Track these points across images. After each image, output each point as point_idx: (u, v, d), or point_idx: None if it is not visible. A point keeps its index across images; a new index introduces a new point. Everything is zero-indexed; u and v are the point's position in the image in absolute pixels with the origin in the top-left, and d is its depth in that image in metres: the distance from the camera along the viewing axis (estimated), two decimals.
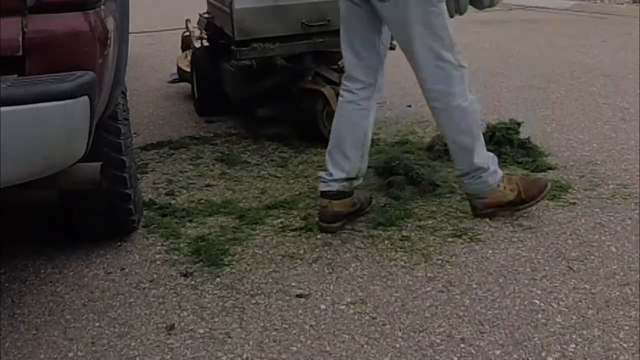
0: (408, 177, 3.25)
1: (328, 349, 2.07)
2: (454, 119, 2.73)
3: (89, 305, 2.35)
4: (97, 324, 2.24)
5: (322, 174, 2.86)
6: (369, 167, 3.48)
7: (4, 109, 1.70)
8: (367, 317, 2.23)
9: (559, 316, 2.20)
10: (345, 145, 2.79)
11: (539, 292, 2.35)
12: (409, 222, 2.88)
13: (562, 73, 5.56)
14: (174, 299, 2.37)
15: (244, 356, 2.05)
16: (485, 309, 2.25)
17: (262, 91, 4.01)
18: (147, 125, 4.49)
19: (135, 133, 4.03)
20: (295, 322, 2.22)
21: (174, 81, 5.39)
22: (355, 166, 2.82)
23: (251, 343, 2.11)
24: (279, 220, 2.94)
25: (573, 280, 2.41)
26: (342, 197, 2.80)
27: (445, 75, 2.64)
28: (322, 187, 2.82)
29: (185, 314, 2.28)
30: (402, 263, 2.56)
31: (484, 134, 3.69)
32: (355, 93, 2.78)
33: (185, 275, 2.51)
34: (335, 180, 2.80)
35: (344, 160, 2.80)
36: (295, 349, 2.08)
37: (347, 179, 2.81)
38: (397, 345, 2.08)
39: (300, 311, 2.28)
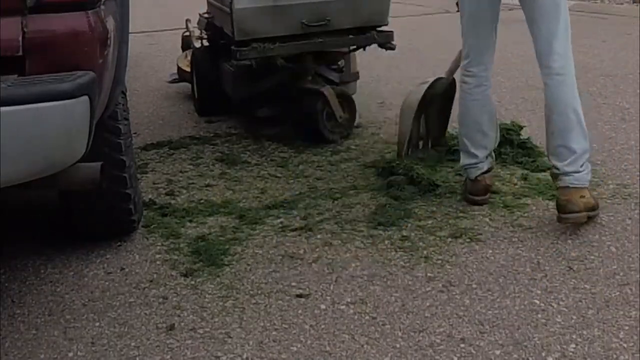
0: (408, 177, 3.25)
1: (328, 349, 2.07)
2: (573, 89, 2.72)
3: (89, 305, 2.35)
4: (97, 324, 2.24)
5: (465, 161, 3.01)
6: (369, 166, 3.50)
7: (4, 109, 1.70)
8: (367, 317, 2.23)
9: (559, 316, 2.20)
10: (483, 125, 2.98)
11: (539, 292, 2.35)
12: (409, 222, 2.88)
13: None
14: (174, 299, 2.37)
15: (244, 356, 2.05)
16: (485, 309, 2.25)
17: (262, 91, 4.01)
18: (147, 125, 4.48)
19: (135, 133, 4.02)
20: (295, 322, 2.22)
21: (174, 81, 5.39)
22: (492, 140, 3.03)
23: (251, 343, 2.11)
24: (279, 220, 2.94)
25: (573, 280, 2.41)
26: (490, 170, 3.02)
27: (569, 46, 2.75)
28: (475, 172, 2.98)
29: (185, 314, 2.28)
30: (402, 263, 2.56)
31: None
32: (481, 76, 2.95)
33: (185, 275, 2.51)
34: (483, 160, 2.99)
35: (484, 139, 2.99)
36: (295, 349, 2.08)
37: (489, 154, 3.03)
38: (397, 345, 2.08)
39: (300, 311, 2.28)
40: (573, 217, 2.70)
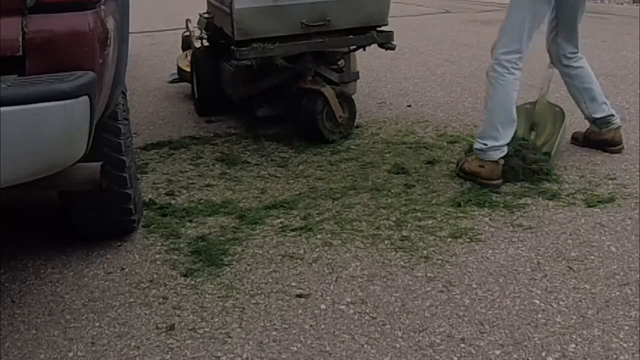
0: (409, 177, 3.25)
1: (328, 349, 2.07)
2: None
3: (89, 305, 2.35)
4: (97, 324, 2.24)
5: (491, 143, 3.19)
6: (369, 167, 3.50)
7: (4, 109, 1.70)
8: (367, 317, 2.23)
9: (559, 316, 2.20)
10: (513, 113, 3.24)
11: (539, 292, 2.35)
12: (409, 222, 2.88)
13: None
14: (174, 299, 2.37)
15: (244, 356, 2.05)
16: (485, 309, 2.25)
17: (262, 91, 4.01)
18: (147, 125, 4.49)
19: (135, 133, 4.03)
20: (295, 322, 2.22)
21: (174, 81, 5.40)
22: (515, 127, 3.30)
23: (251, 343, 2.11)
24: (279, 220, 2.94)
25: (573, 280, 2.41)
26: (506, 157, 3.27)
27: None
28: (498, 154, 3.20)
29: (185, 314, 2.28)
30: (402, 263, 2.56)
31: None
32: (522, 70, 3.27)
33: (185, 275, 2.51)
34: (507, 144, 3.22)
35: (513, 125, 3.25)
36: (295, 349, 2.08)
37: (510, 142, 3.28)
38: (397, 345, 2.08)
39: (300, 311, 2.28)
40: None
